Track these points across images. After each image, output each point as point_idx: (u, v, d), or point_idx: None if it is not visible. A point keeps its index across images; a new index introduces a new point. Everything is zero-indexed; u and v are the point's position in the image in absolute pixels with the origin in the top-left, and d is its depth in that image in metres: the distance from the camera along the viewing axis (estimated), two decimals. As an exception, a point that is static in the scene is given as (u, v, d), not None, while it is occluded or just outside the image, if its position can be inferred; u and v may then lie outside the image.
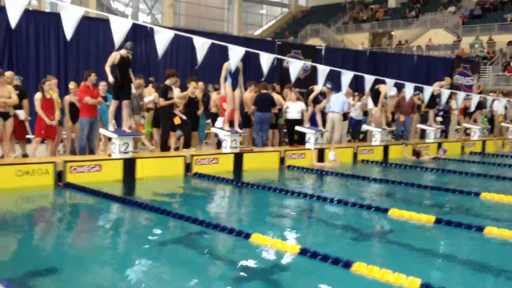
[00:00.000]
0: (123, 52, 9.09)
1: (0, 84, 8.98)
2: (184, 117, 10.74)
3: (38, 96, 9.53)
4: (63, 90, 11.93)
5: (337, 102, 12.81)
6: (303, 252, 5.04)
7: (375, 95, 13.84)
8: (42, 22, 13.08)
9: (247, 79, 13.18)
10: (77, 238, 5.90)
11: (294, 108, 12.72)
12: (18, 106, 9.50)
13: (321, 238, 6.11)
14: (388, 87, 12.70)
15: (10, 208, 7.09)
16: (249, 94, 12.39)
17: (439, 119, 16.24)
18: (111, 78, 9.06)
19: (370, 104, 14.32)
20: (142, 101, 11.04)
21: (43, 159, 8.91)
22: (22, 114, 9.56)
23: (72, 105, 10.30)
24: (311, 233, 6.33)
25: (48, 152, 9.86)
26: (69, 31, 7.71)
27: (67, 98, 10.34)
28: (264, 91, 12.21)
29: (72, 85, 10.46)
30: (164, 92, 10.37)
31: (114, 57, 9.08)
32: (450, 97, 14.86)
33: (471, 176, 10.72)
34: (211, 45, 9.26)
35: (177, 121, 10.48)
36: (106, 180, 8.63)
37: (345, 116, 13.46)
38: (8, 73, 9.65)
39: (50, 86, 9.73)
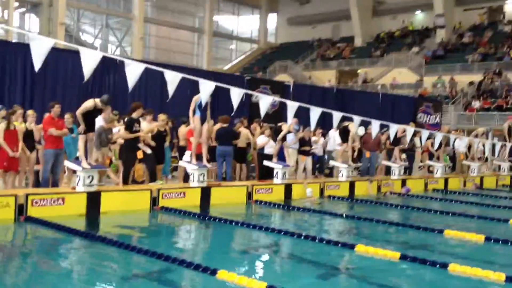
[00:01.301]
0: (98, 103, 9.16)
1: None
2: (148, 151, 10.64)
3: (1, 127, 9.34)
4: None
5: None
6: (269, 289, 5.01)
7: (343, 132, 14.08)
8: (9, 52, 12.93)
9: (215, 113, 13.23)
10: (37, 274, 5.71)
11: (269, 143, 12.83)
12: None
13: (288, 274, 6.08)
14: (356, 125, 12.96)
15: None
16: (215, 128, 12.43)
17: (403, 156, 16.55)
18: (82, 128, 9.07)
19: (337, 140, 14.51)
20: (110, 134, 10.93)
21: (4, 192, 8.68)
22: None
23: (29, 133, 10.03)
24: (278, 269, 6.31)
25: (9, 185, 9.62)
26: (37, 62, 7.64)
27: (22, 126, 10.06)
28: (225, 124, 12.26)
29: (30, 112, 10.26)
30: (130, 125, 10.30)
31: (90, 106, 9.11)
32: (414, 135, 15.22)
33: (434, 213, 10.90)
34: (181, 78, 9.30)
35: (139, 155, 10.37)
36: (69, 214, 8.42)
37: (307, 152, 13.64)
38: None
39: (17, 117, 9.56)
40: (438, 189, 15.53)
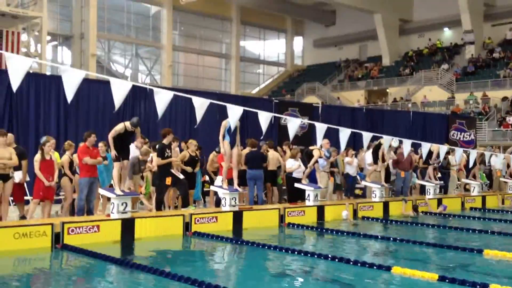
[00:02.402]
0: (128, 125, 9.28)
1: (1, 146, 9.02)
2: (181, 176, 10.73)
3: (37, 157, 9.55)
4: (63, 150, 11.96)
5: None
6: (305, 313, 4.93)
7: (375, 151, 13.92)
8: (43, 85, 13.30)
9: (244, 137, 13.29)
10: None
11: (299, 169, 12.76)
12: (17, 167, 9.50)
13: (324, 298, 5.98)
14: (387, 142, 12.80)
15: (7, 271, 6.96)
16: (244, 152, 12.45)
17: (437, 175, 16.25)
18: (113, 153, 9.23)
19: (368, 159, 14.32)
20: (144, 165, 11.11)
21: (41, 221, 8.84)
22: (18, 176, 9.52)
23: (70, 164, 10.27)
24: (313, 293, 6.21)
25: (46, 214, 9.79)
26: (70, 94, 7.85)
27: (66, 158, 10.32)
28: (253, 148, 12.27)
29: (70, 142, 10.52)
30: (161, 151, 10.42)
31: (120, 129, 9.25)
32: (447, 153, 14.96)
33: (472, 233, 10.62)
34: (210, 104, 9.39)
35: (168, 181, 10.46)
36: (104, 241, 8.52)
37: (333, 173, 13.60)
38: (9, 135, 9.71)
39: (50, 147, 9.77)
40: (475, 208, 15.16)
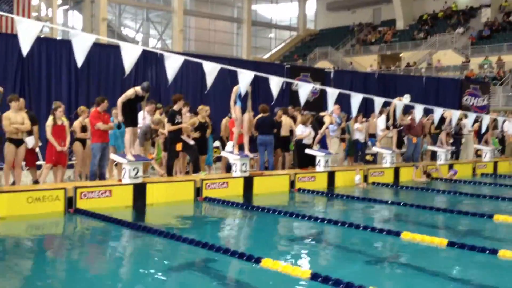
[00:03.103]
0: (138, 90, 9.22)
1: (14, 110, 9.07)
2: (191, 142, 10.76)
3: (49, 122, 9.60)
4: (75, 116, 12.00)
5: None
6: (314, 277, 5.00)
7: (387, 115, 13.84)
8: (54, 49, 13.26)
9: (256, 102, 13.23)
10: (87, 265, 5.89)
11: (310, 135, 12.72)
12: (29, 132, 9.57)
13: (333, 262, 6.05)
14: (399, 103, 12.70)
15: (21, 235, 7.12)
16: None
17: (450, 140, 16.13)
18: (121, 117, 9.19)
19: (381, 125, 14.21)
20: (155, 134, 11.15)
21: (54, 186, 8.95)
22: (30, 142, 9.59)
23: (83, 128, 10.30)
24: (322, 258, 6.28)
25: (58, 179, 9.91)
26: (80, 58, 7.83)
27: (78, 123, 10.34)
28: (265, 114, 12.20)
29: (83, 107, 10.53)
30: (172, 117, 10.43)
31: (131, 94, 9.19)
32: (460, 119, 14.83)
33: (483, 198, 10.60)
34: (221, 69, 9.33)
35: (179, 147, 10.49)
36: (116, 205, 8.63)
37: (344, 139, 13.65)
38: (21, 100, 9.74)
39: (62, 112, 9.81)
40: (487, 173, 15.10)
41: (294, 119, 13.35)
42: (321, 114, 13.04)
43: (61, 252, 6.35)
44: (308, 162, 12.43)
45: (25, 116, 9.27)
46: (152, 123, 10.92)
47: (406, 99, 13.25)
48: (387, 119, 13.87)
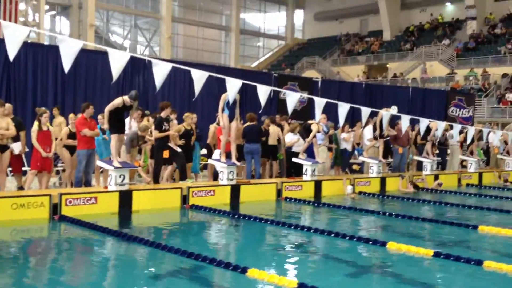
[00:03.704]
0: (126, 100, 9.20)
1: (-1, 116, 8.96)
2: (178, 149, 10.72)
3: (34, 128, 9.52)
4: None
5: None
6: (301, 286, 4.98)
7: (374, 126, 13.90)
8: (41, 54, 13.18)
9: (244, 110, 13.24)
10: (70, 273, 5.80)
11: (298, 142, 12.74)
12: (15, 138, 9.47)
13: (319, 272, 6.04)
14: (386, 114, 12.77)
15: (5, 241, 7.01)
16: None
17: (436, 151, 16.26)
18: (106, 126, 9.16)
19: (368, 135, 14.27)
20: (142, 141, 11.10)
21: (39, 192, 8.85)
22: (16, 148, 9.49)
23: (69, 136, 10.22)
24: (308, 267, 6.26)
25: (43, 185, 9.81)
26: (67, 64, 7.76)
27: (66, 130, 10.28)
28: (252, 122, 12.20)
29: (72, 115, 10.50)
30: (159, 124, 10.38)
31: (118, 103, 9.17)
32: (446, 130, 14.97)
33: (468, 209, 10.68)
34: (209, 77, 9.33)
35: (165, 154, 10.45)
36: (102, 212, 8.55)
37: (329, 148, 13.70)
38: (7, 105, 9.66)
39: (47, 118, 9.73)
40: (472, 184, 15.22)
41: (281, 128, 13.38)
42: (309, 122, 13.07)
43: (44, 260, 6.26)
44: (297, 170, 12.44)
45: (10, 122, 9.18)
46: (139, 130, 10.87)
47: (393, 110, 13.33)
48: (374, 129, 13.93)
